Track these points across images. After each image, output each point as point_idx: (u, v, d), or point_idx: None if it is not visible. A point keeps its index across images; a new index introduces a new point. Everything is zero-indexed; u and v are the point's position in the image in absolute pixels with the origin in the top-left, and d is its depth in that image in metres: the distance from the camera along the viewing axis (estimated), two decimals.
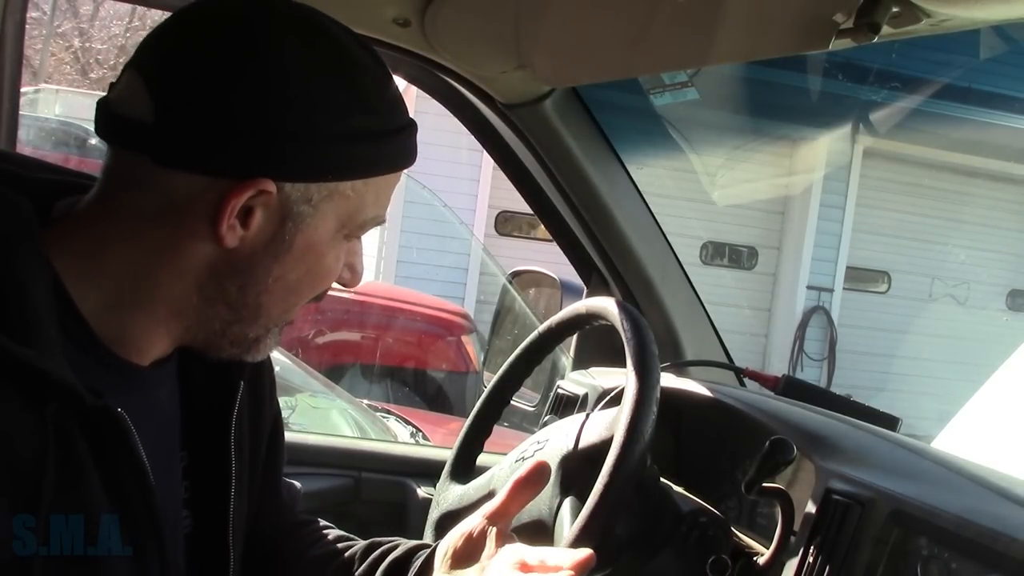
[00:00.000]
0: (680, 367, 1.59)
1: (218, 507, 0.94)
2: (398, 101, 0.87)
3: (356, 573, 1.03)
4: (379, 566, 1.02)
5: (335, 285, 0.91)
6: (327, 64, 0.81)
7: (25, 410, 0.73)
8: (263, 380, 1.03)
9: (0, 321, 0.73)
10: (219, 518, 0.94)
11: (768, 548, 1.03)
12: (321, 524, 1.14)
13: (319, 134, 0.81)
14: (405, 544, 1.05)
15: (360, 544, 1.07)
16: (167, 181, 0.80)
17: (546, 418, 1.57)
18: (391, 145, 0.86)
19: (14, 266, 0.77)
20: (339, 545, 1.08)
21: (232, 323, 0.86)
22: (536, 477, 0.91)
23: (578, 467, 1.04)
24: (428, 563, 0.98)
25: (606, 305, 1.10)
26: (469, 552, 0.91)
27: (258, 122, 0.79)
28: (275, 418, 1.08)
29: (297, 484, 1.19)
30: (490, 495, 1.14)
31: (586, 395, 1.53)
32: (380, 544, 1.06)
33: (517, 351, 1.26)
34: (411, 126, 0.88)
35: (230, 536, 0.94)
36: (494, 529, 0.89)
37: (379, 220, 0.89)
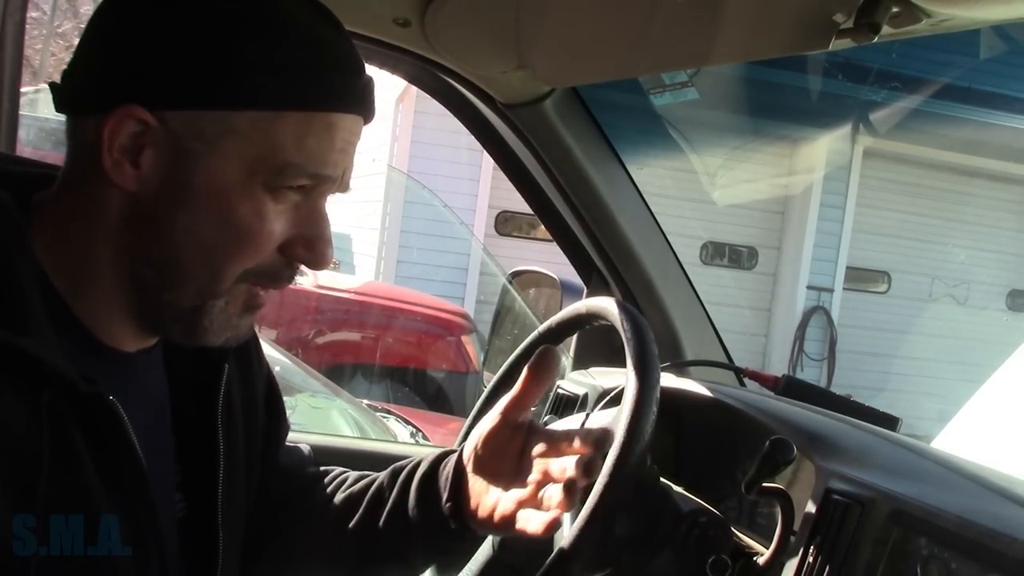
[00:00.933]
0: (680, 367, 1.59)
1: (208, 490, 0.94)
2: (322, 39, 0.81)
3: (389, 501, 1.02)
4: (409, 488, 1.01)
5: (305, 278, 0.89)
6: (261, 17, 0.79)
7: (20, 399, 0.73)
8: (250, 358, 1.03)
9: None
10: (209, 501, 0.94)
11: (768, 548, 1.03)
12: (337, 470, 1.14)
13: (192, 55, 0.78)
14: (428, 457, 1.03)
15: (383, 474, 1.06)
16: (79, 132, 0.81)
17: (546, 418, 1.57)
18: (297, 78, 0.79)
19: (3, 257, 0.77)
20: (363, 483, 1.07)
21: (161, 290, 0.82)
22: (547, 362, 0.92)
23: None
24: (459, 470, 0.99)
25: (606, 305, 1.10)
26: (492, 452, 0.95)
27: (125, 48, 0.79)
28: (269, 389, 1.07)
29: (305, 446, 1.18)
30: None
31: (586, 395, 1.53)
32: (403, 467, 1.05)
33: (517, 351, 1.26)
34: (339, 68, 0.81)
35: (219, 520, 0.94)
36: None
37: (308, 172, 0.81)
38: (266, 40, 0.78)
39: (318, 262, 0.85)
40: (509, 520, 0.92)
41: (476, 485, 0.97)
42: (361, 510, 1.04)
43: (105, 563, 0.78)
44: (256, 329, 1.00)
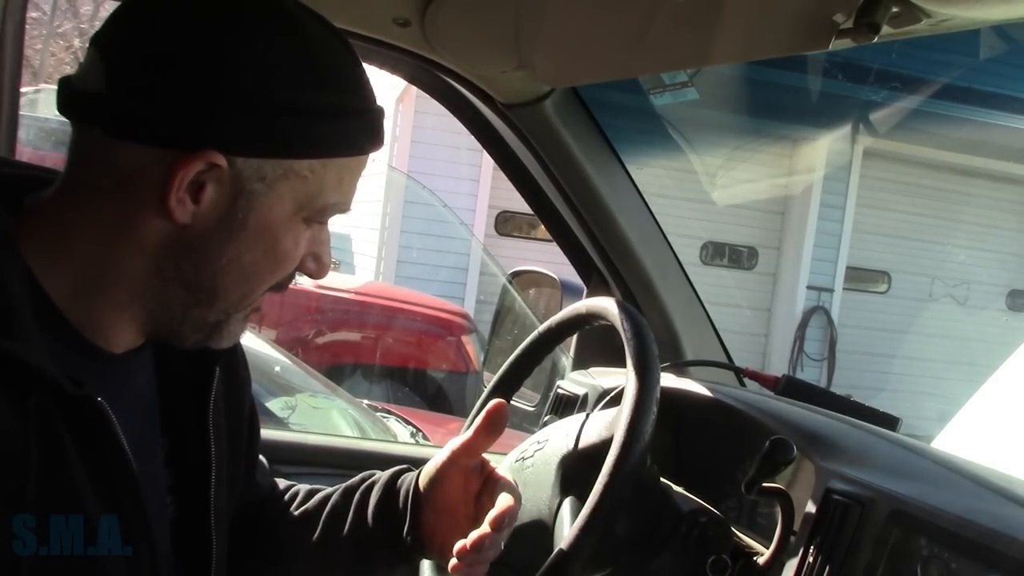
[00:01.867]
0: (680, 367, 1.59)
1: (199, 492, 0.94)
2: (361, 82, 0.86)
3: (347, 522, 1.03)
4: (366, 511, 1.02)
5: (305, 279, 0.92)
6: (283, 37, 0.81)
7: (7, 402, 0.73)
8: (236, 364, 1.03)
9: None
10: (201, 503, 0.94)
11: (768, 548, 1.03)
12: (287, 484, 1.15)
13: (271, 106, 0.80)
14: (382, 478, 1.04)
15: (336, 492, 1.07)
16: (119, 154, 0.80)
17: (546, 418, 1.57)
18: (351, 125, 0.84)
19: None
20: (316, 499, 1.08)
21: (191, 307, 0.85)
22: (499, 418, 0.96)
23: (578, 467, 1.04)
24: (416, 501, 1.00)
25: (606, 305, 1.10)
26: (443, 493, 0.98)
27: (207, 91, 0.78)
28: (251, 402, 1.08)
29: (263, 461, 1.19)
30: None
31: (586, 395, 1.53)
32: (355, 487, 1.06)
33: (517, 351, 1.26)
34: (375, 110, 0.87)
35: (211, 520, 0.95)
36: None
37: (342, 208, 0.88)
38: (330, 88, 0.83)
39: (323, 272, 0.91)
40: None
41: (432, 519, 0.98)
42: (319, 528, 1.05)
43: (97, 564, 0.78)
44: (254, 331, 1.00)
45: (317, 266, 0.90)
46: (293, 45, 0.81)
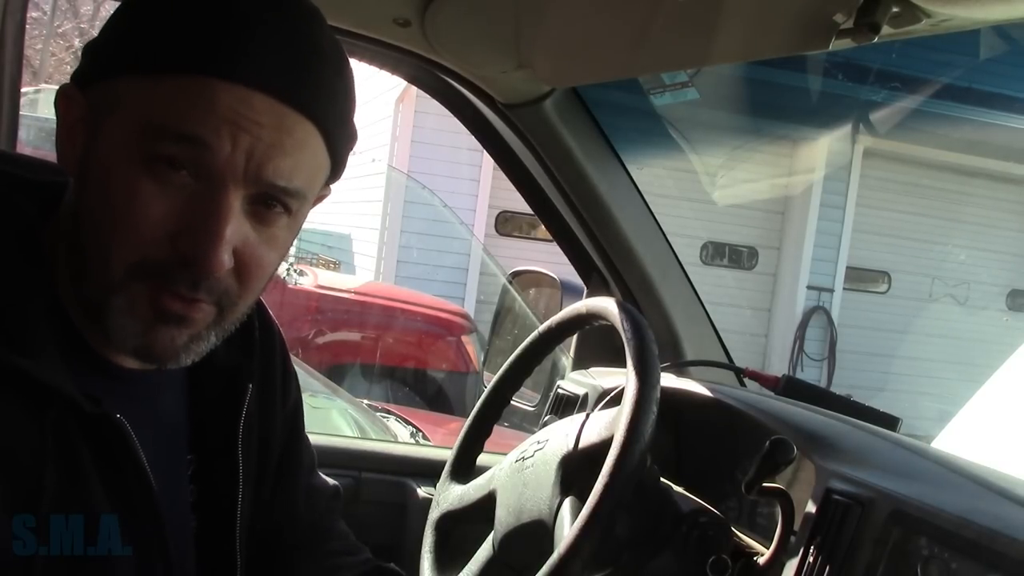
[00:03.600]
0: (680, 367, 1.59)
1: (226, 510, 0.93)
2: (227, 8, 0.75)
3: None
4: None
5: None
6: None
7: (25, 419, 0.73)
8: (274, 381, 1.01)
9: None
10: (227, 521, 0.93)
11: (768, 548, 1.03)
12: (348, 545, 1.11)
13: (106, 29, 0.79)
14: None
15: None
16: None
17: (546, 418, 1.57)
18: (176, 39, 0.74)
19: (11, 275, 0.76)
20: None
21: (76, 280, 0.79)
22: None
23: (578, 467, 1.03)
24: None
25: (606, 305, 1.10)
26: None
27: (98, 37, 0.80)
28: (292, 421, 1.06)
29: (332, 483, 1.16)
30: (490, 495, 1.14)
31: (586, 395, 1.53)
32: None
33: (517, 351, 1.26)
34: (228, 31, 0.74)
35: (237, 539, 0.94)
36: None
37: (175, 131, 0.73)
38: (163, 3, 0.76)
39: (200, 259, 0.74)
40: None
41: None
42: None
43: (106, 563, 0.78)
44: (291, 353, 0.98)
45: (193, 249, 0.74)
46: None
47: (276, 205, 0.78)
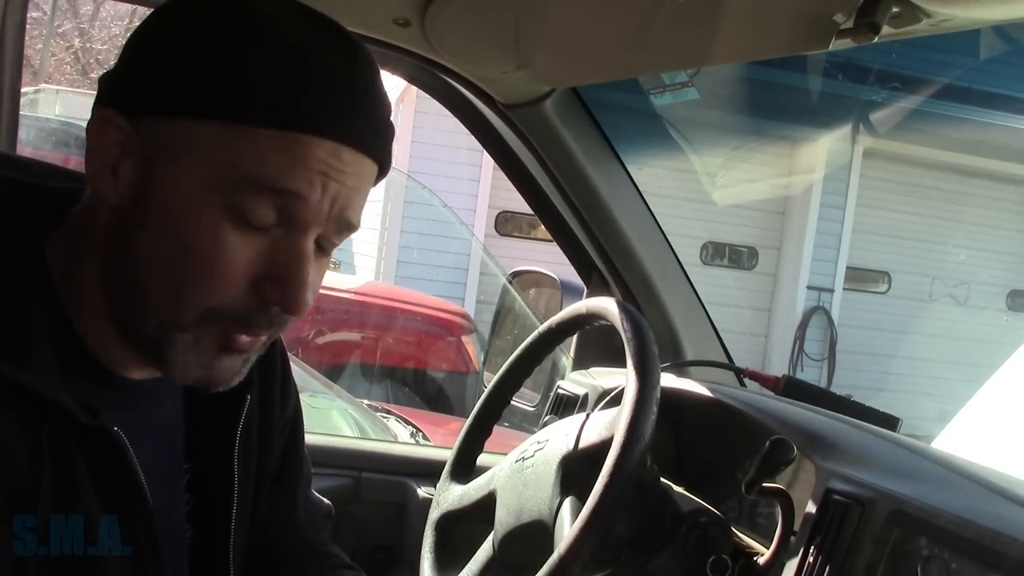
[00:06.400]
0: (680, 367, 1.59)
1: (220, 521, 0.93)
2: (316, 61, 0.74)
3: None
4: None
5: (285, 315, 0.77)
6: (241, 29, 0.74)
7: (22, 429, 0.72)
8: (273, 390, 0.99)
9: None
10: (221, 531, 0.93)
11: (768, 548, 1.03)
12: (339, 562, 1.10)
13: (163, 59, 0.74)
14: None
15: None
16: None
17: (546, 418, 1.57)
18: (270, 91, 0.72)
19: (11, 282, 0.75)
20: None
21: (125, 311, 0.78)
22: None
23: (578, 467, 1.04)
24: None
25: (606, 305, 1.10)
26: None
27: (122, 58, 0.77)
28: (292, 430, 1.05)
29: (326, 502, 1.16)
30: (490, 495, 1.15)
31: (586, 395, 1.53)
32: None
33: (517, 351, 1.26)
34: (323, 89, 0.73)
35: (231, 550, 0.93)
36: None
37: (269, 185, 0.72)
38: (240, 49, 0.73)
39: (290, 306, 0.76)
40: None
41: None
42: None
43: (103, 563, 0.78)
44: (292, 361, 0.97)
45: (280, 296, 0.75)
46: (245, 34, 0.73)
47: (337, 239, 0.80)
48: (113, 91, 0.77)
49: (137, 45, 0.78)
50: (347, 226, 0.79)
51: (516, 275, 2.33)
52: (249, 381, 0.89)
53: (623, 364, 1.00)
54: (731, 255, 9.18)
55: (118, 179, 0.76)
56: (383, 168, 0.82)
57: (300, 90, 0.73)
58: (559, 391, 1.61)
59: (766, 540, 1.05)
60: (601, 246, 1.65)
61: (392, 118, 0.84)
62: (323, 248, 0.80)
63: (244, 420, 0.92)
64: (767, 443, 0.97)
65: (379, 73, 0.82)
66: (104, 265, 0.78)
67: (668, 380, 1.33)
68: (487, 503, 1.15)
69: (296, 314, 0.77)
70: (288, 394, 1.03)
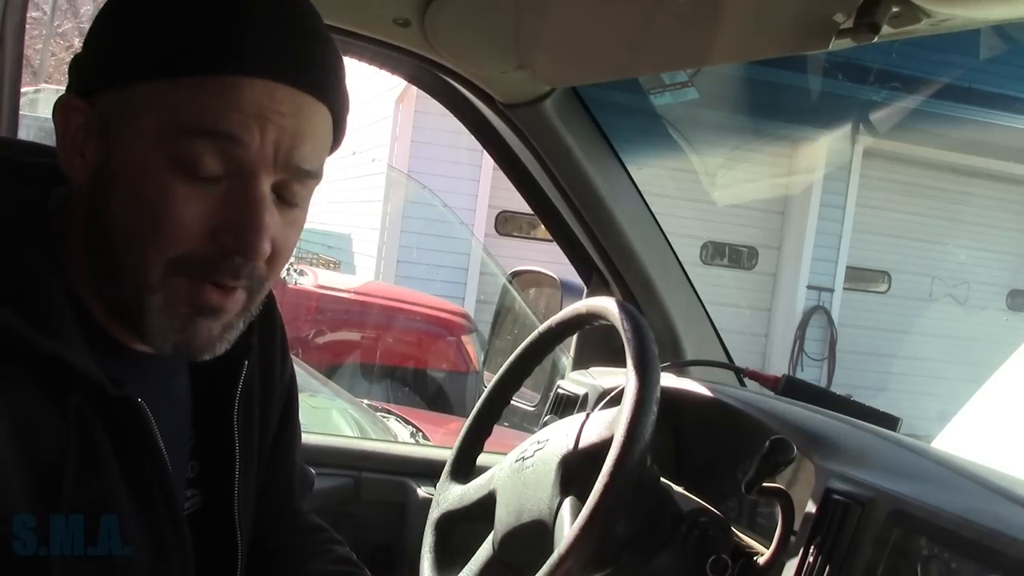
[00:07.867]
0: (680, 367, 1.59)
1: (224, 486, 0.94)
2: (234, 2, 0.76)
3: None
4: None
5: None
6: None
7: (48, 401, 0.74)
8: (273, 357, 1.02)
9: (24, 313, 0.73)
10: (225, 497, 0.94)
11: (768, 548, 1.03)
12: (329, 536, 1.12)
13: (104, 36, 0.79)
14: None
15: None
16: None
17: (546, 418, 1.57)
18: (194, 40, 0.75)
19: (30, 257, 0.77)
20: (340, 568, 1.07)
21: (103, 282, 0.80)
22: None
23: (578, 467, 1.04)
24: None
25: (606, 305, 1.10)
26: None
27: (84, 44, 0.81)
28: (288, 395, 1.07)
29: (311, 471, 1.18)
30: (490, 495, 1.15)
31: (586, 395, 1.53)
32: None
33: (517, 351, 1.26)
34: (240, 26, 0.75)
35: (236, 515, 0.95)
36: None
37: (204, 128, 0.75)
38: (163, 4, 0.77)
39: (247, 251, 0.77)
40: None
41: None
42: None
43: (125, 562, 0.78)
44: (292, 354, 0.98)
45: (236, 241, 0.77)
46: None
47: (298, 188, 0.81)
48: (72, 78, 0.81)
49: (88, 32, 0.81)
50: (300, 172, 0.80)
51: (516, 275, 2.33)
52: (247, 347, 0.91)
53: (623, 364, 1.00)
54: (731, 255, 9.18)
55: (86, 160, 0.79)
56: (334, 110, 0.82)
57: (224, 33, 0.75)
58: (559, 391, 1.61)
59: (766, 540, 1.05)
60: (601, 246, 1.65)
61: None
62: (284, 199, 0.81)
63: (243, 386, 0.94)
64: (767, 443, 0.97)
65: (317, 16, 0.82)
66: (87, 242, 0.81)
67: (668, 380, 1.32)
68: (487, 503, 1.15)
69: (253, 259, 0.78)
70: (286, 361, 1.05)
